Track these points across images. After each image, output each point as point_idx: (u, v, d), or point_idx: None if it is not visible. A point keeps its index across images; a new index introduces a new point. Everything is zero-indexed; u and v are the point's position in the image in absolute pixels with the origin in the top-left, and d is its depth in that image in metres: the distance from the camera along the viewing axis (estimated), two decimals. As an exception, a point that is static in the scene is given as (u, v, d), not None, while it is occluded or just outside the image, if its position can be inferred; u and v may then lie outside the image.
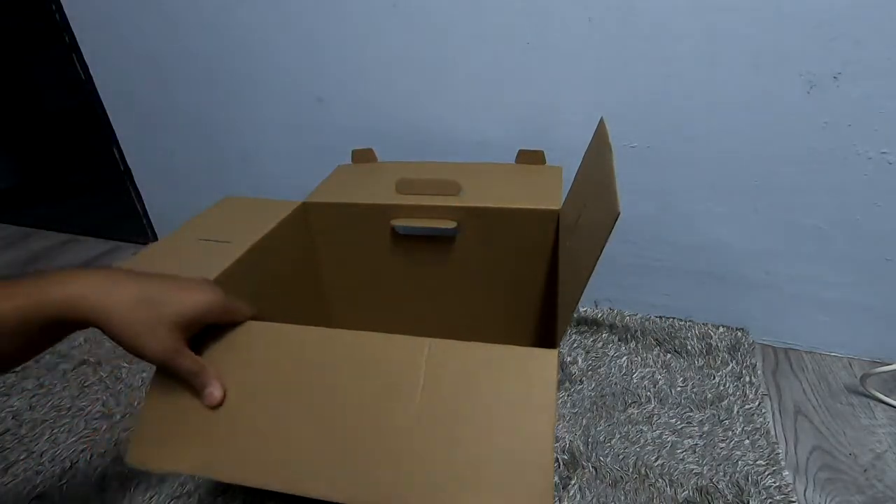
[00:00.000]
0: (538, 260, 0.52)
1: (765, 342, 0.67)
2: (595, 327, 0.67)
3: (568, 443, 0.52)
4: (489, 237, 0.52)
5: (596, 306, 0.71)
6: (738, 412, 0.55)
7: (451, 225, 0.51)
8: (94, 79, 0.84)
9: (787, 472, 0.49)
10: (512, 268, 0.53)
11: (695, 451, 0.51)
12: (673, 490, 0.48)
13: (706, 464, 0.50)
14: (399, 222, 0.52)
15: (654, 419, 0.55)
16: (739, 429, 0.53)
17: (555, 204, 0.49)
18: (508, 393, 0.30)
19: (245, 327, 0.36)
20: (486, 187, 0.53)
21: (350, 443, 0.30)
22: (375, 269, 0.57)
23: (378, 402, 0.31)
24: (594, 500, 0.47)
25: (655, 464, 0.50)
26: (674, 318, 0.69)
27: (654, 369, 0.61)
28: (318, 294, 0.59)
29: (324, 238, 0.56)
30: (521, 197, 0.51)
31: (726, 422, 0.54)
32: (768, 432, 0.53)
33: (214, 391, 0.33)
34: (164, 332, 0.32)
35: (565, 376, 0.60)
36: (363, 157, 0.63)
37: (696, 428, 0.53)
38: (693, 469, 0.49)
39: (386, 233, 0.54)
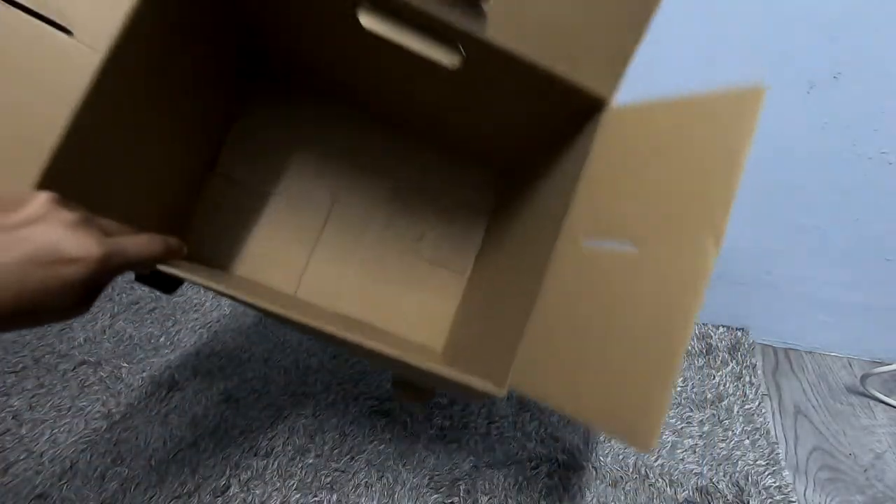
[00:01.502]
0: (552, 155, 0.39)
1: (765, 342, 0.67)
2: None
3: (568, 443, 0.52)
4: (509, 98, 0.36)
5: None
6: (738, 412, 0.55)
7: (450, 62, 0.33)
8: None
9: (787, 472, 0.49)
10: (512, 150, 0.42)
11: (695, 451, 0.51)
12: (673, 490, 0.48)
13: (706, 464, 0.50)
14: (369, 18, 0.33)
15: (654, 419, 0.54)
16: (739, 429, 0.53)
17: (610, 80, 0.32)
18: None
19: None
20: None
21: None
22: (333, 60, 0.42)
23: None
24: (594, 500, 0.47)
25: (655, 464, 0.50)
26: (674, 318, 0.69)
27: (654, 369, 0.61)
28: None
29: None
30: (579, 41, 0.31)
31: (726, 422, 0.54)
32: (768, 432, 0.53)
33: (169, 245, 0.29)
34: None
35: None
36: None
37: (696, 428, 0.53)
38: (693, 469, 0.49)
39: (349, 20, 0.33)
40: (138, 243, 0.26)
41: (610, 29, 0.32)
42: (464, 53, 0.33)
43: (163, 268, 0.28)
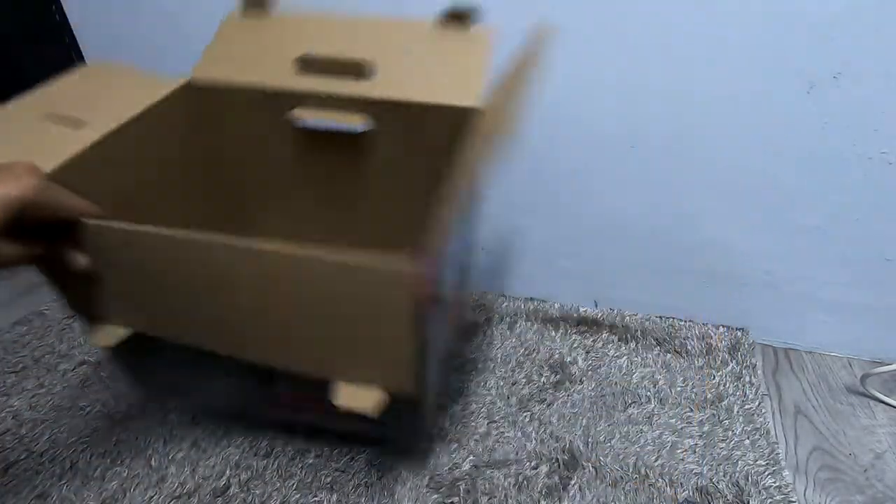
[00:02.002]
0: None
1: (765, 342, 0.67)
2: (595, 327, 0.67)
3: (568, 443, 0.52)
4: (402, 136, 0.47)
5: (596, 306, 0.71)
6: (738, 412, 0.55)
7: (360, 122, 0.46)
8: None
9: (787, 472, 0.49)
10: (428, 173, 0.48)
11: (695, 451, 0.51)
12: (673, 490, 0.48)
13: (706, 464, 0.50)
14: (300, 114, 0.47)
15: (654, 419, 0.54)
16: (739, 429, 0.53)
17: (472, 95, 0.43)
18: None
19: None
20: (402, 66, 0.45)
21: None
22: (275, 170, 0.52)
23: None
24: (594, 500, 0.47)
25: (655, 464, 0.50)
26: (674, 317, 0.69)
27: (654, 369, 0.61)
28: (203, 197, 0.53)
29: (209, 126, 0.49)
30: (440, 83, 0.44)
31: (726, 422, 0.54)
32: (768, 432, 0.53)
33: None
34: None
35: (565, 376, 0.60)
36: (255, 1, 0.50)
37: (696, 428, 0.53)
38: (693, 469, 0.49)
39: (285, 125, 0.48)
40: (74, 197, 0.32)
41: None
42: (369, 117, 0.46)
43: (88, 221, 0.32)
